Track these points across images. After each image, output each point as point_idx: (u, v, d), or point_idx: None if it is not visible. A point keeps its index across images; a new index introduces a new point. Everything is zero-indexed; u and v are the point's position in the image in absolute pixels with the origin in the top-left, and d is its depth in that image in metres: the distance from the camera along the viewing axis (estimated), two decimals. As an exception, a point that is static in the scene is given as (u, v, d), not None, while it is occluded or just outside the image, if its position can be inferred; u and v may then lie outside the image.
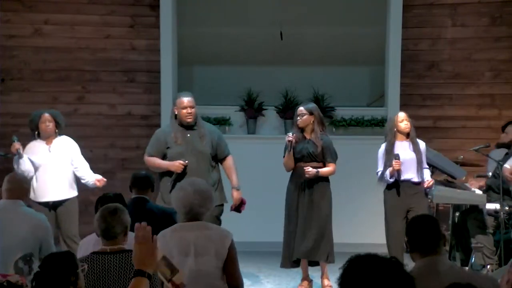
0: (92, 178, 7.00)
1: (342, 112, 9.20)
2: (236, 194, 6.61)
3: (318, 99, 9.09)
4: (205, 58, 9.67)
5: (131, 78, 9.37)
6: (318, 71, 9.50)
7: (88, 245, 4.68)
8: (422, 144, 6.99)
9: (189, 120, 6.47)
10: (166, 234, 4.20)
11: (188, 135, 6.50)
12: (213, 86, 9.43)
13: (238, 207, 6.67)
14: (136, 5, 9.35)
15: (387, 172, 6.79)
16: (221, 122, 9.03)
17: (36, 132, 6.94)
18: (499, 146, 7.51)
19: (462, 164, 7.99)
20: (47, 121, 6.89)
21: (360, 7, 9.55)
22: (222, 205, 6.57)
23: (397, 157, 6.72)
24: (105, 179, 7.06)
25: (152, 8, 9.29)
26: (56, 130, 6.95)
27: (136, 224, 2.98)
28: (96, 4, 9.28)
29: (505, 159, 7.25)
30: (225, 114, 9.16)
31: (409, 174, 6.81)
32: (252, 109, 9.19)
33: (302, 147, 6.82)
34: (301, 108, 6.93)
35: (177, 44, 9.34)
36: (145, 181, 5.65)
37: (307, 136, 6.89)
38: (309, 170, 6.69)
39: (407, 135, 6.91)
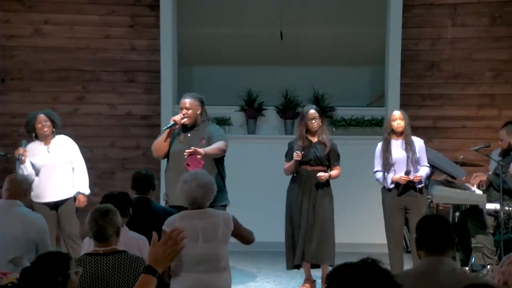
0: (79, 189, 6.97)
1: (342, 112, 9.20)
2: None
3: (318, 99, 9.10)
4: (205, 58, 9.66)
5: (131, 78, 9.37)
6: (318, 71, 9.50)
7: (89, 244, 4.68)
8: (418, 142, 6.94)
9: (185, 121, 6.46)
10: (175, 221, 4.44)
11: (189, 135, 6.50)
12: (213, 86, 9.42)
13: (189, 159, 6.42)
14: (136, 5, 9.35)
15: (389, 179, 6.79)
16: (221, 122, 9.03)
17: (34, 134, 6.93)
18: (504, 154, 7.44)
19: (462, 164, 7.98)
20: (43, 121, 6.90)
21: (360, 7, 9.55)
22: (225, 206, 6.56)
23: (407, 173, 6.72)
24: (85, 202, 6.99)
25: (152, 8, 9.29)
26: (53, 130, 6.95)
27: (175, 227, 2.94)
28: (96, 4, 9.28)
29: (505, 160, 7.25)
30: (225, 114, 9.16)
31: (401, 173, 6.80)
32: (252, 109, 9.19)
33: (309, 151, 6.81)
34: (313, 111, 6.91)
35: (177, 44, 9.33)
36: (146, 182, 5.63)
37: (313, 139, 6.89)
38: (322, 175, 6.72)
39: (401, 134, 6.89)
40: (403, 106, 8.92)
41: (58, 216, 6.85)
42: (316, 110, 6.94)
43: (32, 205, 6.54)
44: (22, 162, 6.75)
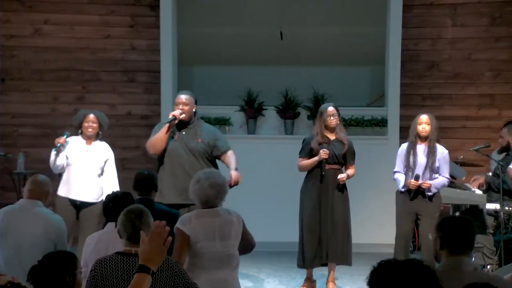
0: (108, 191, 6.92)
1: (342, 112, 9.07)
2: (234, 174, 6.38)
3: (318, 99, 9.10)
4: (205, 58, 9.67)
5: (131, 78, 9.37)
6: (318, 71, 9.50)
7: (92, 242, 4.69)
8: (441, 151, 6.78)
9: (183, 116, 6.47)
10: (192, 219, 4.48)
11: (184, 132, 6.51)
12: (213, 86, 9.43)
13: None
14: (136, 5, 9.36)
15: (402, 181, 6.75)
16: (221, 122, 9.04)
17: (80, 131, 6.94)
18: (501, 151, 7.47)
19: (462, 164, 7.99)
20: (90, 122, 6.89)
21: (360, 7, 9.55)
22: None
23: (417, 177, 6.66)
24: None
25: (152, 8, 9.29)
26: (99, 132, 6.95)
27: (156, 222, 2.97)
28: (96, 4, 9.28)
29: (505, 160, 7.26)
30: (225, 114, 9.17)
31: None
32: (252, 109, 9.19)
33: (327, 149, 6.79)
34: (333, 108, 6.87)
35: (177, 44, 9.34)
36: (148, 183, 5.62)
37: (331, 137, 6.86)
38: (342, 176, 6.70)
39: (426, 138, 6.78)
40: (403, 106, 8.94)
41: (79, 216, 6.81)
42: (334, 107, 6.92)
43: (54, 201, 6.49)
44: (59, 151, 6.73)
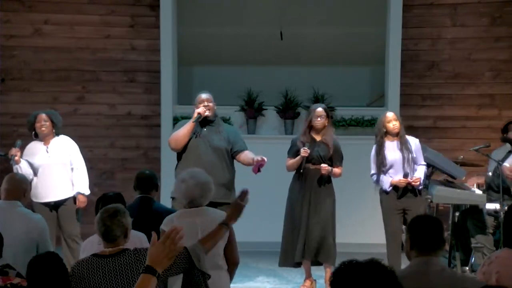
0: (78, 189, 6.92)
1: (342, 112, 9.20)
2: (258, 157, 6.48)
3: (318, 99, 9.09)
4: (205, 58, 9.66)
5: (131, 78, 9.37)
6: (318, 71, 9.50)
7: (92, 245, 4.68)
8: (413, 141, 6.88)
9: (207, 113, 6.51)
10: (173, 219, 4.50)
11: (205, 129, 6.54)
12: (213, 86, 9.38)
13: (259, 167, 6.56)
14: (136, 5, 9.36)
15: (387, 182, 6.76)
16: (221, 122, 9.03)
17: (34, 133, 6.92)
18: (505, 140, 7.41)
19: (462, 164, 7.99)
20: (42, 121, 6.87)
21: (360, 7, 9.55)
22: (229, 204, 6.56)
23: (406, 175, 6.70)
24: (85, 202, 6.95)
25: (152, 8, 9.29)
26: (53, 130, 6.93)
27: (173, 226, 2.96)
28: (96, 4, 9.29)
29: (505, 159, 7.25)
30: (225, 114, 9.15)
31: (399, 175, 6.77)
32: (252, 109, 9.19)
33: (312, 149, 6.81)
34: (321, 110, 6.89)
35: (177, 44, 9.34)
36: (149, 182, 5.63)
37: (317, 138, 6.89)
38: (326, 166, 6.71)
39: (397, 135, 6.85)
40: (403, 106, 8.93)
41: (58, 216, 6.83)
42: (324, 109, 6.92)
43: (31, 205, 6.52)
44: (16, 162, 6.74)
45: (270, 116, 9.27)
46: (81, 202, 6.96)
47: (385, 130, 6.82)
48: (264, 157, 6.42)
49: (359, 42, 9.46)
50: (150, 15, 9.31)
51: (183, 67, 9.52)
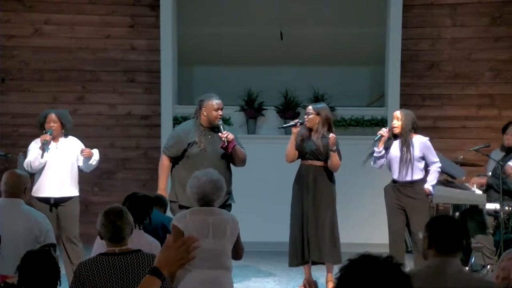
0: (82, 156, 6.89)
1: (342, 112, 9.20)
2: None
3: (318, 99, 9.09)
4: (205, 58, 9.66)
5: (131, 78, 9.38)
6: (318, 71, 9.50)
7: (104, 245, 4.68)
8: (419, 141, 6.80)
9: (218, 122, 6.54)
10: (186, 216, 4.56)
11: (209, 136, 6.52)
12: (213, 86, 9.40)
13: (227, 147, 6.51)
14: (136, 5, 9.36)
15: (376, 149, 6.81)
16: (221, 122, 9.03)
17: (44, 131, 6.92)
18: (508, 150, 7.39)
19: (462, 164, 7.99)
20: (51, 122, 6.85)
21: (360, 7, 9.55)
22: (230, 205, 6.56)
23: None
24: (89, 153, 6.85)
25: (152, 8, 9.29)
26: (62, 131, 6.92)
27: (190, 235, 2.96)
28: (96, 4, 9.29)
29: (504, 159, 7.25)
30: (225, 114, 9.05)
31: (396, 173, 6.76)
32: (252, 109, 9.19)
33: (307, 143, 6.84)
34: (310, 107, 6.93)
35: (177, 44, 9.34)
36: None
37: (312, 135, 6.91)
38: (332, 136, 6.63)
39: (399, 133, 6.82)
40: (403, 106, 8.90)
41: (58, 215, 6.81)
42: (314, 107, 6.91)
43: (31, 202, 6.50)
44: (44, 149, 6.69)
45: (270, 116, 9.27)
46: (86, 150, 6.88)
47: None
48: (229, 134, 6.41)
49: (359, 42, 9.46)
50: (150, 15, 9.32)
51: (183, 67, 9.52)
